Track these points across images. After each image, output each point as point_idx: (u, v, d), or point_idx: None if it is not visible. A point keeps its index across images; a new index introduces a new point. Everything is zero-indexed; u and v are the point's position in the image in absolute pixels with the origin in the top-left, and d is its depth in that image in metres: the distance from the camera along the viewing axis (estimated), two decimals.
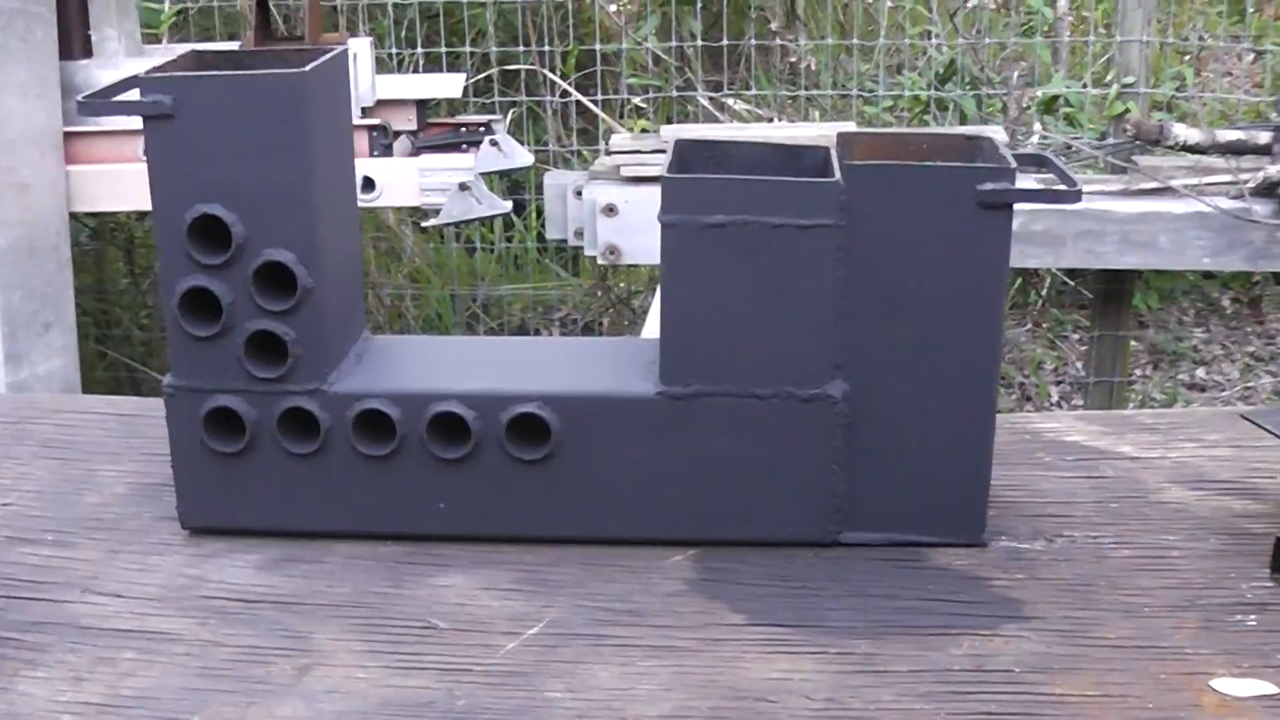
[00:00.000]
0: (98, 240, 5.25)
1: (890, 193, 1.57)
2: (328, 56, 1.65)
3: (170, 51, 3.90)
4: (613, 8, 5.66)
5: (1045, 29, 5.04)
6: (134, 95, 1.61)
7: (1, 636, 1.53)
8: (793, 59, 5.70)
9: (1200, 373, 5.84)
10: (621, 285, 5.25)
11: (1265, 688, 1.38)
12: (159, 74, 1.59)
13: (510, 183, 5.33)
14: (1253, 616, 1.52)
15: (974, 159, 1.68)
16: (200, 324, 1.65)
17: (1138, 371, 5.74)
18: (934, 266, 1.59)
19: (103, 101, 1.61)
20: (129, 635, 1.53)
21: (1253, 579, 1.60)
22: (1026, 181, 1.75)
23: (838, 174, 1.59)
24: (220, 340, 1.65)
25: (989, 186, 1.56)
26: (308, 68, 1.59)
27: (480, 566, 1.66)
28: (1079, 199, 1.56)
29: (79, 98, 1.61)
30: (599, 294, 5.30)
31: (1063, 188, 1.62)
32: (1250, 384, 5.69)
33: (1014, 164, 1.58)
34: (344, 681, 1.45)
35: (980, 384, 1.63)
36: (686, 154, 1.71)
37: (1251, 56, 5.29)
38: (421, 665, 1.47)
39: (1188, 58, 5.55)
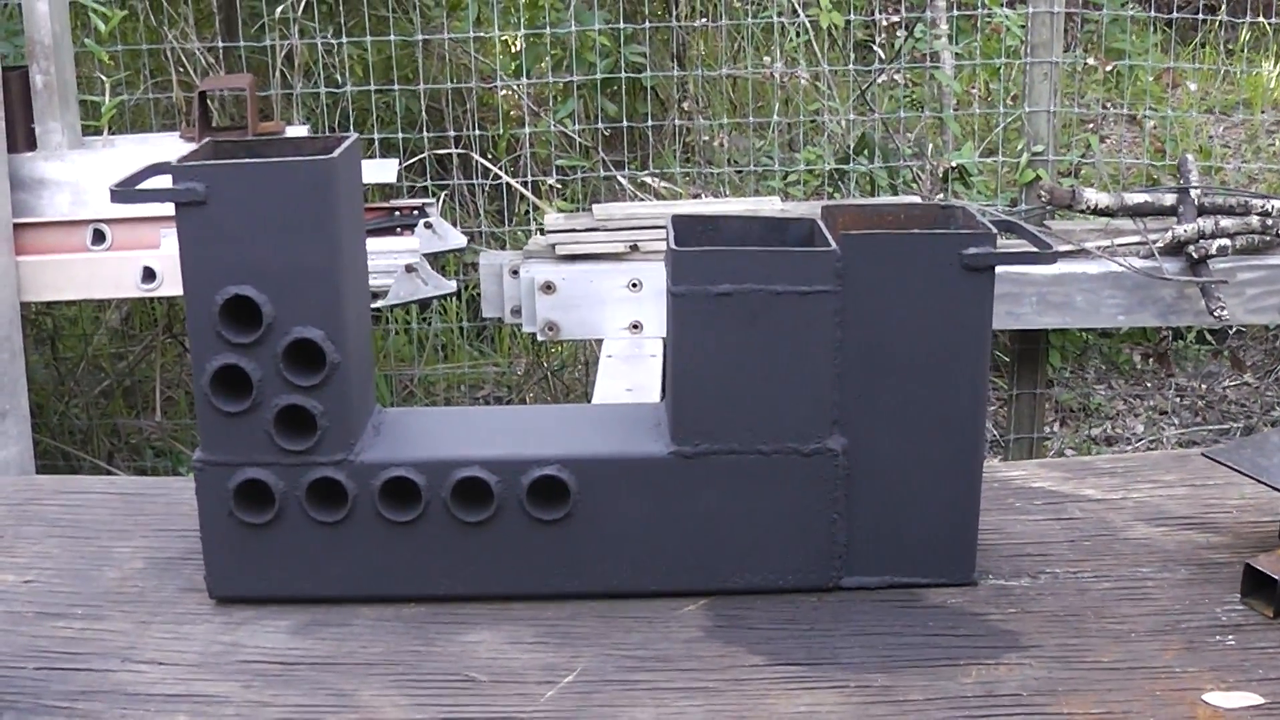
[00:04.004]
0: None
1: (882, 259, 1.69)
2: (348, 143, 1.74)
3: (110, 143, 3.95)
4: (504, 92, 5.79)
5: (955, 104, 5.26)
6: (163, 181, 1.69)
7: (50, 705, 1.58)
8: (688, 138, 5.87)
9: (1105, 427, 6.06)
10: (553, 359, 5.34)
11: (1252, 699, 1.51)
12: (191, 162, 1.68)
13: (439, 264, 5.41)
14: (1230, 637, 1.65)
15: (949, 226, 1.82)
16: (229, 400, 1.72)
17: (1047, 428, 5.95)
18: (923, 326, 1.71)
19: (136, 191, 1.68)
20: (177, 700, 1.59)
21: (1224, 603, 1.73)
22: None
23: (832, 244, 1.71)
24: (249, 415, 1.72)
25: (972, 251, 1.69)
26: (335, 153, 1.68)
27: (503, 623, 1.75)
28: (1055, 260, 1.70)
29: (110, 186, 1.68)
30: (532, 370, 5.39)
31: (1034, 250, 1.76)
32: (1155, 436, 5.92)
33: (994, 230, 1.72)
34: None
35: (967, 434, 1.75)
36: (683, 229, 1.82)
37: (1152, 123, 5.58)
38: (467, 715, 1.55)
39: (1089, 126, 5.83)
